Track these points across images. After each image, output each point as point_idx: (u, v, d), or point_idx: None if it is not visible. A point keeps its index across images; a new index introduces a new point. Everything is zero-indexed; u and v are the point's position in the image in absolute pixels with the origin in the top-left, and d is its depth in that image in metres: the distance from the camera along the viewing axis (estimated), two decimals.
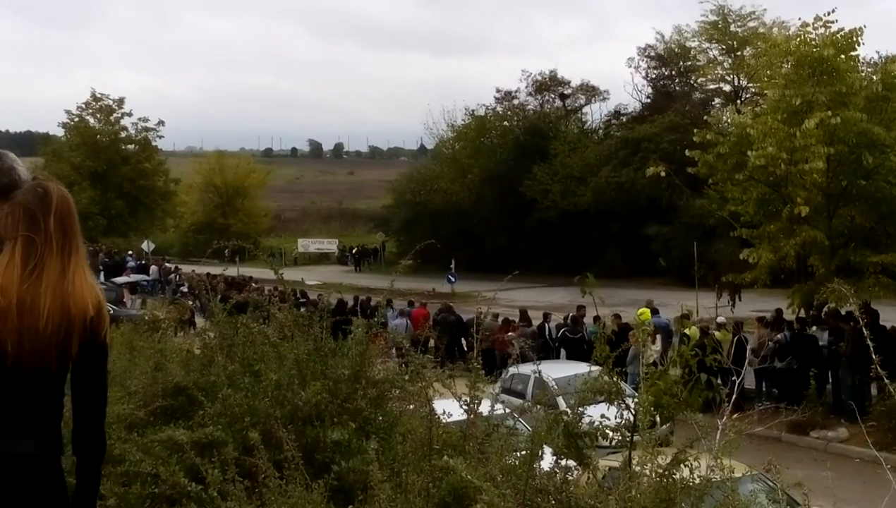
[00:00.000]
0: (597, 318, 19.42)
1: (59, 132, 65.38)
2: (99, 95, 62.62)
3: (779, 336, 20.17)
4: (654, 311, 22.86)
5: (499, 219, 55.19)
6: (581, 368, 17.00)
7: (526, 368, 16.22)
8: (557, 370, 17.04)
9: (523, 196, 53.09)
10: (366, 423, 4.80)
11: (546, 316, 24.55)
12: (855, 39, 20.94)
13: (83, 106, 62.83)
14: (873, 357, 4.59)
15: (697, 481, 4.27)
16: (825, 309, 20.86)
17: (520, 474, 4.22)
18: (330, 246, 76.48)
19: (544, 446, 4.47)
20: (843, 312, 19.50)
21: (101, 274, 45.61)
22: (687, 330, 18.80)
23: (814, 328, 20.45)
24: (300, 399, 4.68)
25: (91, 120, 62.94)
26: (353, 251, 72.46)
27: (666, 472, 4.19)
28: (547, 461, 4.46)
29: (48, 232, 3.18)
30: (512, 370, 17.43)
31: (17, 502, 3.09)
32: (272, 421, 4.47)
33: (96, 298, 3.24)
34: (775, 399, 19.33)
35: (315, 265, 68.29)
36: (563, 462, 4.48)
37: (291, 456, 4.09)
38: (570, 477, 4.46)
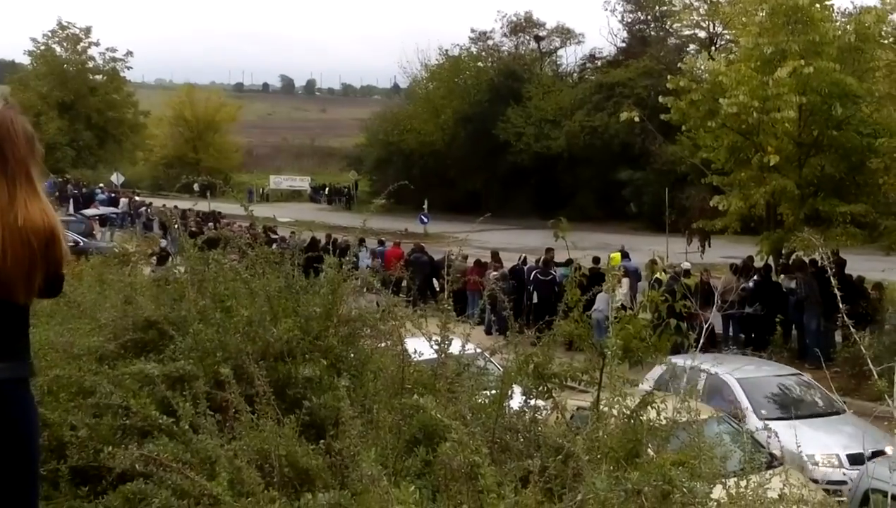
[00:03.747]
0: (570, 261, 19.56)
1: (26, 60, 64.34)
2: (65, 24, 61.57)
3: (749, 283, 20.37)
4: (625, 256, 22.98)
5: (472, 160, 55.07)
6: (773, 368, 15.08)
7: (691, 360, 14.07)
8: (742, 369, 14.20)
9: (497, 138, 52.98)
10: (337, 360, 4.81)
11: (523, 259, 24.61)
12: None
13: (49, 34, 61.78)
14: (840, 306, 4.66)
15: (664, 422, 4.35)
16: (793, 257, 21.10)
17: (489, 413, 4.27)
18: (302, 183, 76.16)
19: (514, 385, 4.52)
20: (808, 260, 19.79)
21: (71, 205, 45.28)
22: (658, 275, 19.03)
23: (782, 276, 20.67)
24: (271, 335, 4.67)
25: (58, 48, 61.90)
26: (325, 190, 72.20)
27: (633, 413, 4.25)
28: (516, 400, 4.51)
29: None
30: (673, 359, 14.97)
31: None
32: (243, 356, 4.47)
33: (50, 226, 3.09)
34: (742, 344, 19.60)
35: (287, 202, 67.96)
36: (532, 402, 4.54)
37: (263, 391, 4.10)
38: (539, 417, 4.52)
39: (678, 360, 13.56)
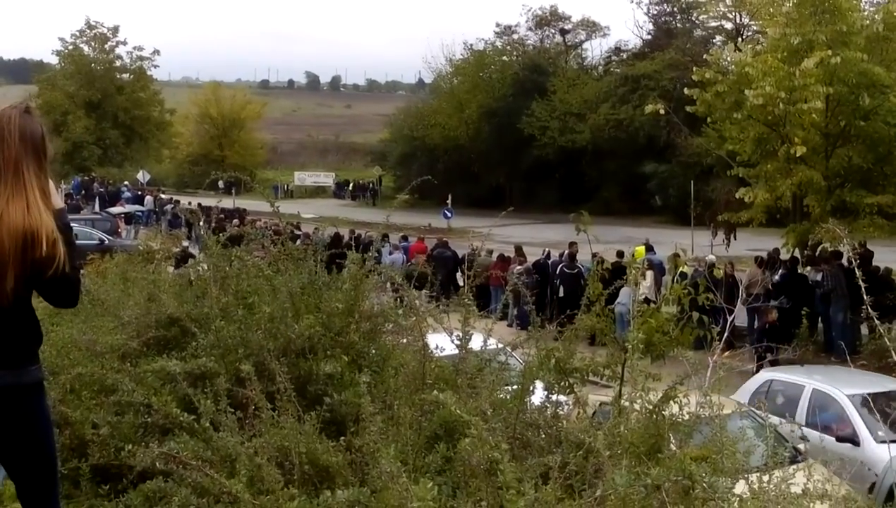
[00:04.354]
0: (594, 255, 19.48)
1: (54, 60, 64.95)
2: (93, 23, 62.09)
3: (776, 276, 20.20)
4: (650, 249, 22.86)
5: (496, 155, 54.99)
6: (888, 382, 12.20)
7: (794, 375, 12.22)
8: (851, 383, 12.31)
9: (521, 132, 52.81)
10: (358, 356, 4.82)
11: (547, 253, 24.54)
12: None
13: (77, 34, 62.35)
14: (865, 297, 4.60)
15: (686, 417, 4.31)
16: (819, 249, 20.92)
17: (510, 408, 4.25)
18: (326, 179, 76.29)
19: (535, 381, 4.50)
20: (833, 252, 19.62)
21: (97, 203, 45.67)
22: (683, 268, 18.93)
23: (808, 268, 20.51)
24: (293, 332, 4.68)
25: (85, 48, 62.45)
26: (349, 185, 72.34)
27: (655, 408, 4.22)
28: (538, 396, 4.50)
29: None
30: (768, 375, 13.16)
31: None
32: (265, 353, 4.48)
33: (30, 227, 2.99)
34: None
35: (311, 198, 68.07)
36: (553, 397, 4.52)
37: (284, 388, 4.11)
38: (561, 412, 4.50)
39: (770, 374, 12.95)
